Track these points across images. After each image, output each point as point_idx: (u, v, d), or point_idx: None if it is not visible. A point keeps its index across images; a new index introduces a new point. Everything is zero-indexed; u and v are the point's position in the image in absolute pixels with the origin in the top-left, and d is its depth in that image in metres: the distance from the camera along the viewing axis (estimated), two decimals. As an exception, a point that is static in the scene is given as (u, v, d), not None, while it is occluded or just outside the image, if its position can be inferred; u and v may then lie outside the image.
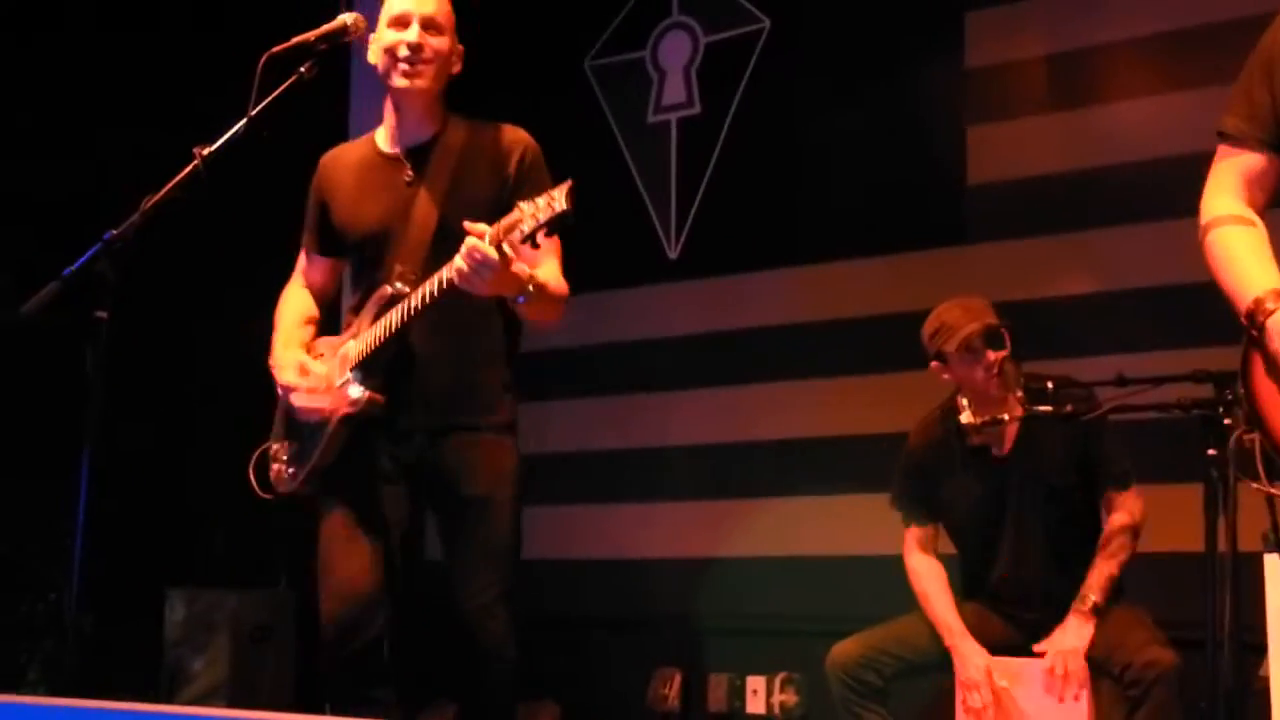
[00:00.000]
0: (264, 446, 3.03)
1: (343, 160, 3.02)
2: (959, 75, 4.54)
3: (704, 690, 4.69)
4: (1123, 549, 3.33)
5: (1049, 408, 3.14)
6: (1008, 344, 3.36)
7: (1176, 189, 4.10)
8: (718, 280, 4.94)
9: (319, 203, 3.03)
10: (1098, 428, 3.29)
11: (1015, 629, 3.39)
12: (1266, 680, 2.77)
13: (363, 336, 2.86)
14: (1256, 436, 2.26)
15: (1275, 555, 2.92)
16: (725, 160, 4.97)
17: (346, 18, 2.83)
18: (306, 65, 2.80)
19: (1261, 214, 2.40)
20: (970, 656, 3.31)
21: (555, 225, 2.60)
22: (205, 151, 2.69)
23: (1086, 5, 4.37)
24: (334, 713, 2.90)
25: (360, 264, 2.98)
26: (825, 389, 4.67)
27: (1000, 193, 4.44)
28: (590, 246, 5.08)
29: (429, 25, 2.88)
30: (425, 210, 2.87)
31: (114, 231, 2.50)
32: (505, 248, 2.60)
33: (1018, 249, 4.37)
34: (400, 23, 2.87)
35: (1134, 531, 3.34)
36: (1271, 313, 2.16)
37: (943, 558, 3.57)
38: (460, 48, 2.99)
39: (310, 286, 3.12)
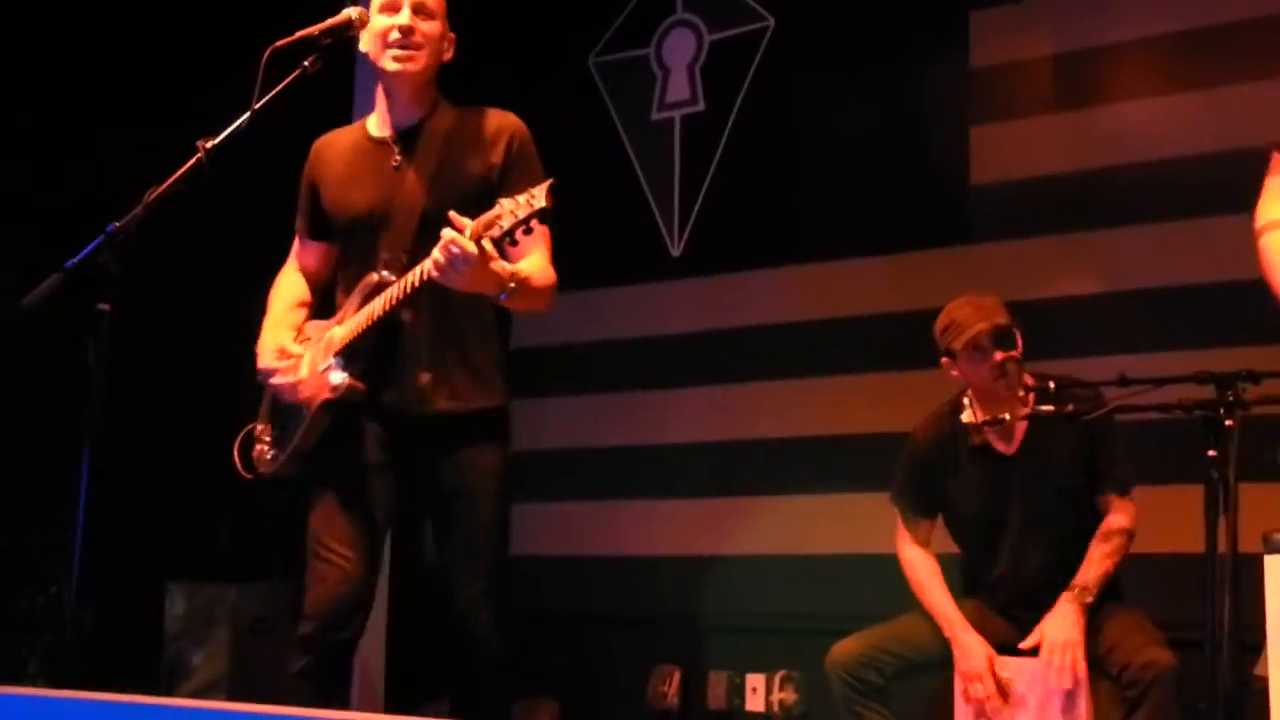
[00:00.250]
0: (249, 427, 3.05)
1: (334, 145, 3.03)
2: (963, 74, 4.54)
3: (703, 688, 4.69)
4: (1120, 548, 3.34)
5: (1051, 407, 3.13)
6: (1019, 344, 3.36)
7: (1181, 190, 4.14)
8: (720, 278, 4.94)
9: (310, 187, 3.05)
10: (1106, 431, 3.29)
11: (1015, 628, 3.39)
12: (1263, 680, 2.77)
13: (348, 322, 2.87)
14: None
15: (1276, 557, 2.93)
16: (729, 158, 4.97)
17: (351, 11, 2.84)
18: (310, 59, 2.81)
19: None
20: (972, 647, 3.31)
21: (539, 221, 2.60)
22: (209, 144, 2.70)
23: (1092, 5, 4.36)
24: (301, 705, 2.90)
25: (349, 249, 2.98)
26: (827, 388, 4.67)
27: (1004, 193, 4.43)
28: (593, 243, 5.17)
29: (420, 10, 2.89)
30: (412, 194, 2.87)
31: (117, 224, 2.50)
32: (485, 244, 2.59)
33: (1021, 249, 4.37)
34: (391, 7, 2.88)
35: (1129, 534, 3.35)
36: None
37: (944, 556, 3.57)
38: (452, 35, 2.99)
39: (304, 271, 3.13)
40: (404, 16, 2.86)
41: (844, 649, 3.40)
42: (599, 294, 5.19)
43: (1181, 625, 3.13)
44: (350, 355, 2.85)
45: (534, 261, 2.85)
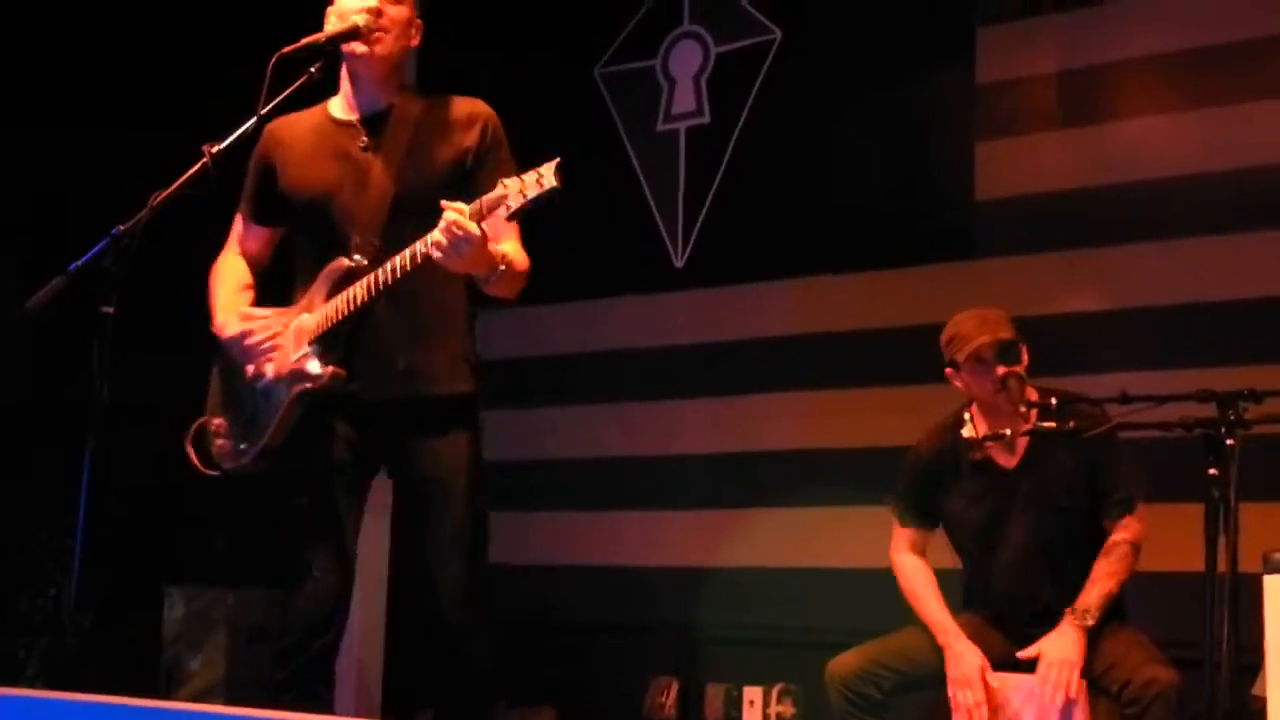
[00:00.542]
0: (199, 422, 2.96)
1: (292, 127, 2.96)
2: (969, 90, 4.54)
3: (701, 700, 4.69)
4: (1125, 568, 3.30)
5: (1053, 424, 3.13)
6: (1024, 359, 3.36)
7: (1185, 208, 4.15)
8: (724, 290, 4.95)
9: (263, 168, 2.97)
10: (1109, 447, 3.27)
11: (1012, 644, 3.38)
12: (1261, 700, 2.77)
13: (320, 310, 2.82)
14: None
15: (1276, 577, 2.92)
16: (733, 170, 4.97)
17: (358, 19, 2.83)
18: (316, 66, 2.80)
19: None
20: (964, 654, 3.30)
21: (544, 203, 2.59)
22: (214, 149, 2.70)
23: (1098, 23, 4.37)
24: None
25: (308, 233, 2.92)
26: (828, 401, 4.67)
27: (1008, 209, 4.44)
28: (597, 253, 5.18)
29: None
30: (382, 179, 2.84)
31: (121, 227, 2.50)
32: (483, 225, 2.59)
33: (1025, 265, 4.37)
34: None
35: (1134, 550, 3.33)
36: None
37: (945, 571, 3.56)
38: (419, 21, 2.97)
39: (246, 255, 3.06)
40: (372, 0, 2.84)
41: (842, 663, 3.38)
42: (602, 304, 5.19)
43: (1181, 644, 3.12)
44: (327, 343, 2.81)
45: (513, 246, 2.83)
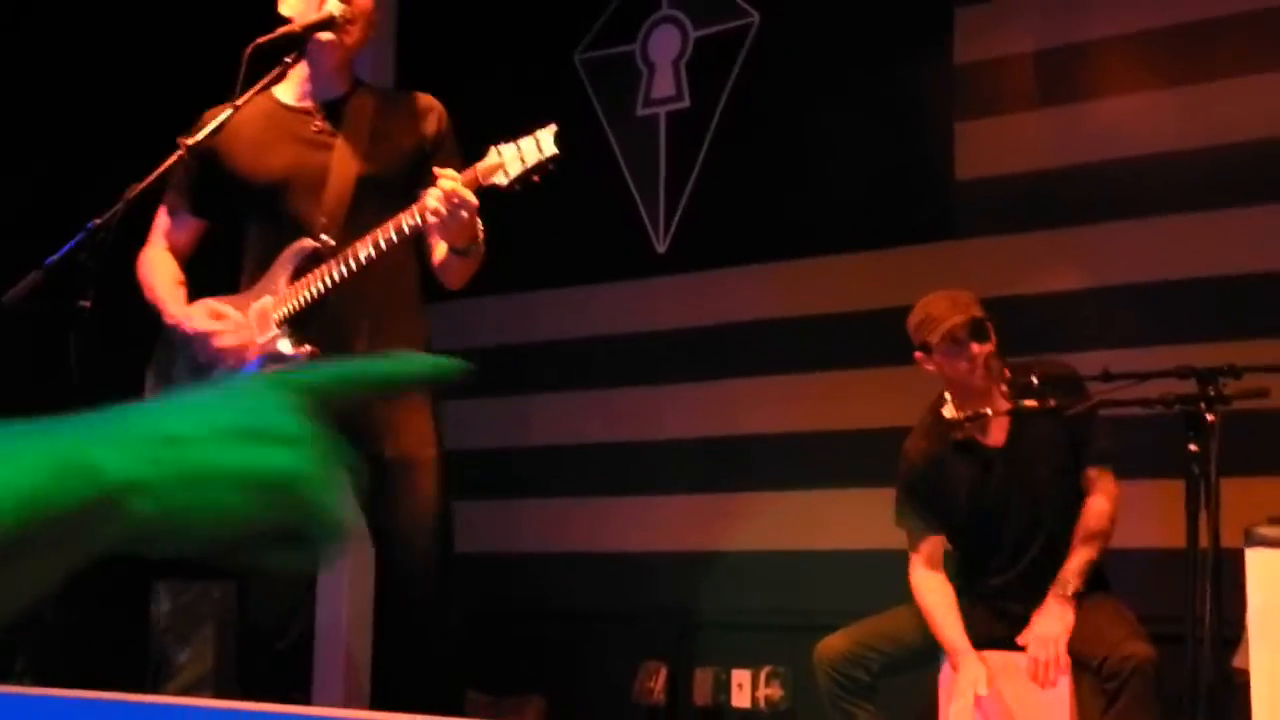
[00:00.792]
0: None
1: (238, 113, 2.86)
2: (948, 70, 4.54)
3: (690, 684, 4.69)
4: (1102, 534, 3.31)
5: (1034, 402, 3.14)
6: (993, 337, 3.36)
7: (1165, 186, 4.15)
8: (706, 274, 4.94)
9: (203, 156, 2.86)
10: (1090, 415, 3.28)
11: (1003, 624, 3.39)
12: (1244, 674, 2.79)
13: (287, 292, 2.79)
14: None
15: (1257, 550, 2.94)
16: (714, 154, 4.97)
17: (333, 8, 2.83)
18: (293, 55, 2.80)
19: None
20: (969, 669, 3.31)
21: (544, 171, 2.58)
22: (189, 141, 2.69)
23: (1075, 1, 4.37)
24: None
25: (264, 217, 2.88)
26: (812, 384, 4.67)
27: (988, 188, 4.44)
28: (578, 239, 5.17)
29: None
30: (345, 163, 2.83)
31: (97, 221, 2.49)
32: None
33: (1006, 244, 4.37)
34: None
35: (1110, 515, 3.32)
36: None
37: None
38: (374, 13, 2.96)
39: (173, 249, 3.00)
40: None
41: (831, 645, 3.39)
42: (585, 290, 5.19)
43: (1163, 619, 3.14)
44: (298, 324, 2.78)
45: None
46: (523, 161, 2.57)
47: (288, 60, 2.79)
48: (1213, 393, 2.83)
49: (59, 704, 2.25)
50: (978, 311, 3.36)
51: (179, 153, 2.66)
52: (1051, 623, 3.23)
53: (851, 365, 4.56)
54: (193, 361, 2.85)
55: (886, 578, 3.56)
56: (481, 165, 2.62)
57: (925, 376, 3.47)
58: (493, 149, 2.62)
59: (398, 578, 2.82)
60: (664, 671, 4.75)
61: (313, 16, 2.82)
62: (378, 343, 2.84)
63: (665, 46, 5.13)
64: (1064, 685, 3.21)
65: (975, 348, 3.32)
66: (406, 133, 2.91)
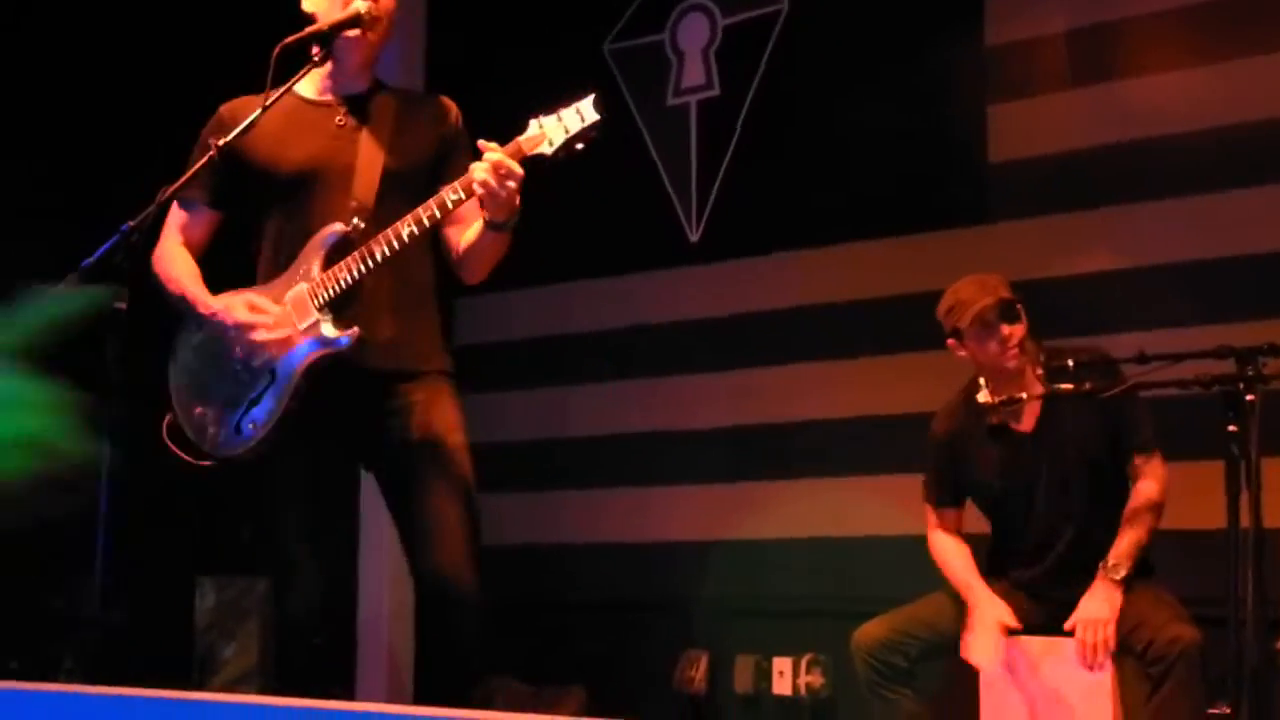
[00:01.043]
0: (170, 418, 2.89)
1: (250, 107, 2.85)
2: (979, 52, 4.50)
3: (730, 672, 4.70)
4: (1151, 518, 3.29)
5: (1069, 385, 3.11)
6: (1024, 318, 3.34)
7: (1200, 164, 4.11)
8: (739, 263, 4.93)
9: (223, 150, 2.81)
10: (1126, 400, 3.24)
11: (1040, 607, 3.38)
12: (1288, 656, 2.76)
13: (323, 277, 2.79)
14: None
15: (1299, 532, 2.91)
16: (745, 142, 4.95)
17: (360, 6, 2.84)
18: (320, 53, 2.81)
19: None
20: (985, 610, 3.31)
21: (587, 140, 2.59)
22: (221, 142, 2.71)
23: (1106, -21, 4.33)
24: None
25: (288, 207, 2.88)
26: (847, 370, 4.66)
27: (1022, 171, 4.41)
28: (611, 230, 5.17)
29: None
30: (371, 155, 2.86)
31: (131, 223, 2.51)
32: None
33: (1040, 227, 4.34)
34: None
35: (1160, 498, 3.31)
36: None
37: (975, 536, 3.56)
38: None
39: (189, 244, 2.99)
40: None
41: (868, 632, 3.39)
42: (619, 281, 5.19)
43: (1206, 601, 3.11)
44: (336, 309, 2.79)
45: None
46: (566, 130, 2.60)
47: (315, 59, 2.80)
48: (1251, 372, 2.80)
49: (106, 702, 2.27)
50: (1006, 293, 3.35)
51: (210, 153, 2.68)
52: (1099, 605, 3.21)
53: (887, 351, 4.54)
54: (227, 353, 2.86)
55: (925, 563, 3.56)
56: (524, 137, 2.64)
57: (959, 361, 3.46)
58: (533, 121, 2.65)
59: (429, 563, 2.81)
60: (705, 660, 4.76)
61: (339, 15, 2.84)
62: (399, 334, 2.86)
63: (694, 35, 5.12)
64: (1107, 669, 3.19)
65: (1006, 329, 3.31)
66: (427, 129, 2.94)
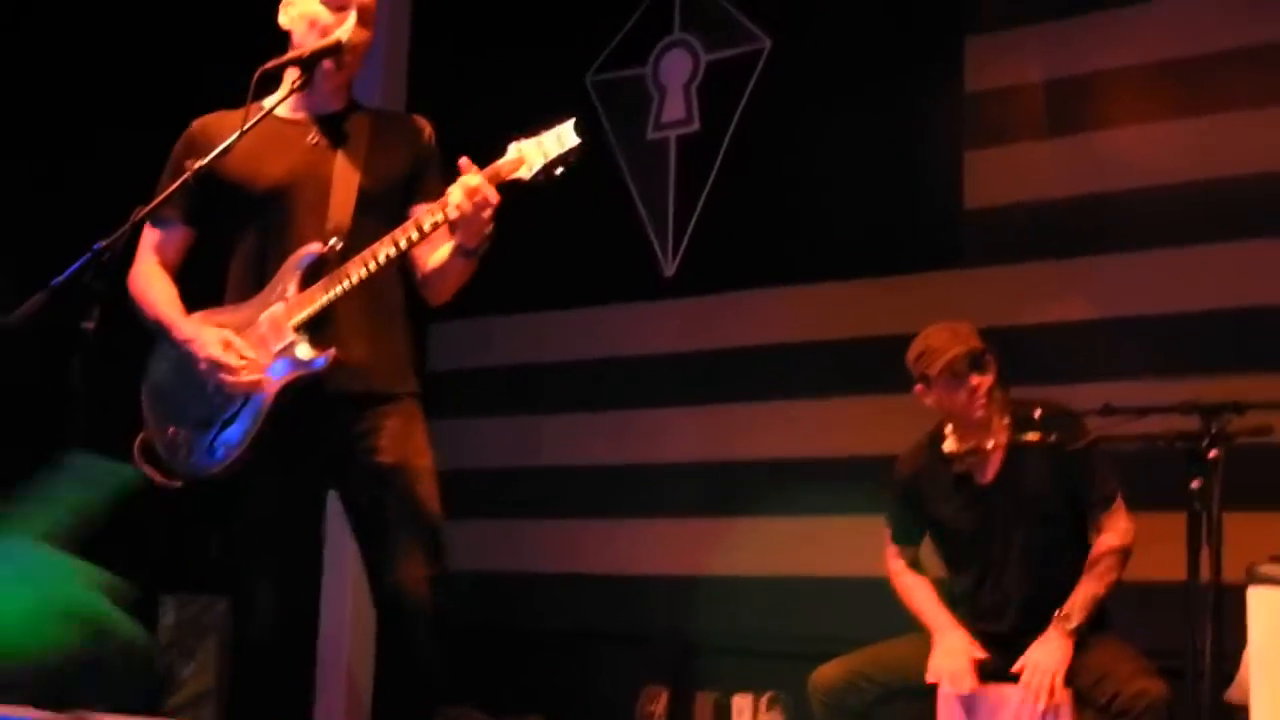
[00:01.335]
0: (143, 437, 2.86)
1: (223, 123, 2.84)
2: (958, 99, 4.54)
3: (691, 708, 4.69)
4: (1110, 570, 3.30)
5: (1034, 436, 3.13)
6: (992, 370, 3.36)
7: (1173, 217, 4.15)
8: (713, 298, 4.95)
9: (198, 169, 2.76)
10: (1086, 456, 3.27)
11: (999, 655, 3.38)
12: (1238, 709, 2.78)
13: (299, 297, 2.77)
14: None
15: (1259, 589, 2.93)
16: (723, 179, 4.98)
17: (341, 34, 2.84)
18: (299, 78, 2.81)
19: None
20: (954, 645, 3.32)
21: (566, 164, 2.59)
22: (197, 165, 2.70)
23: (1087, 31, 4.37)
24: None
25: (261, 224, 2.86)
26: (818, 409, 4.67)
27: (997, 218, 4.44)
28: (586, 262, 5.18)
29: (364, 12, 2.88)
30: (347, 172, 2.84)
31: (103, 243, 2.49)
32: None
33: (1013, 274, 4.37)
34: (339, 6, 2.85)
35: (1123, 553, 3.32)
36: None
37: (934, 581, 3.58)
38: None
39: (164, 263, 2.95)
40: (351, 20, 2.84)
41: (825, 674, 3.39)
42: (592, 312, 5.20)
43: (1163, 654, 3.13)
44: (313, 330, 2.76)
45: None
46: (545, 155, 2.59)
47: (295, 84, 2.79)
48: (1215, 429, 2.82)
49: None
50: (977, 343, 3.36)
51: (184, 176, 2.67)
52: (1048, 652, 3.22)
53: (858, 391, 4.56)
54: (200, 375, 2.82)
55: (890, 605, 3.57)
56: (502, 162, 2.63)
57: (925, 407, 3.47)
58: (512, 145, 2.64)
59: (391, 583, 2.78)
60: (665, 695, 4.75)
61: (320, 42, 2.83)
62: (369, 357, 2.84)
63: (676, 70, 5.14)
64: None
65: (975, 379, 3.33)
66: (402, 148, 2.93)
